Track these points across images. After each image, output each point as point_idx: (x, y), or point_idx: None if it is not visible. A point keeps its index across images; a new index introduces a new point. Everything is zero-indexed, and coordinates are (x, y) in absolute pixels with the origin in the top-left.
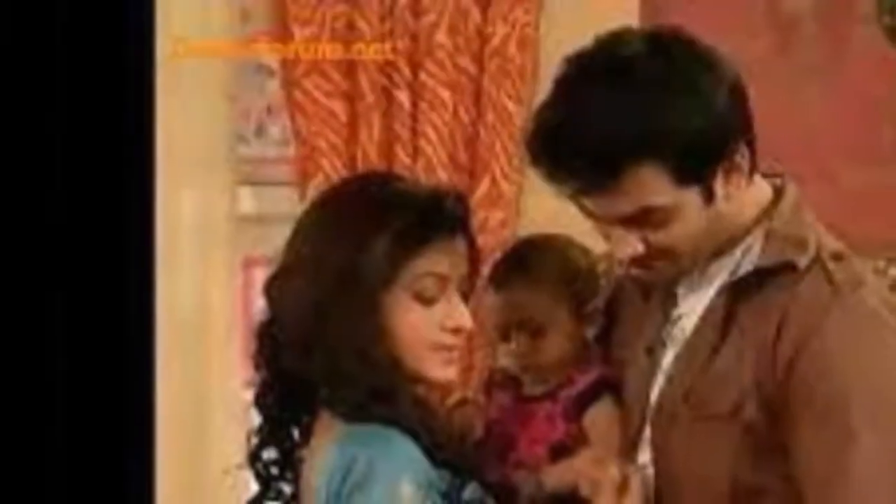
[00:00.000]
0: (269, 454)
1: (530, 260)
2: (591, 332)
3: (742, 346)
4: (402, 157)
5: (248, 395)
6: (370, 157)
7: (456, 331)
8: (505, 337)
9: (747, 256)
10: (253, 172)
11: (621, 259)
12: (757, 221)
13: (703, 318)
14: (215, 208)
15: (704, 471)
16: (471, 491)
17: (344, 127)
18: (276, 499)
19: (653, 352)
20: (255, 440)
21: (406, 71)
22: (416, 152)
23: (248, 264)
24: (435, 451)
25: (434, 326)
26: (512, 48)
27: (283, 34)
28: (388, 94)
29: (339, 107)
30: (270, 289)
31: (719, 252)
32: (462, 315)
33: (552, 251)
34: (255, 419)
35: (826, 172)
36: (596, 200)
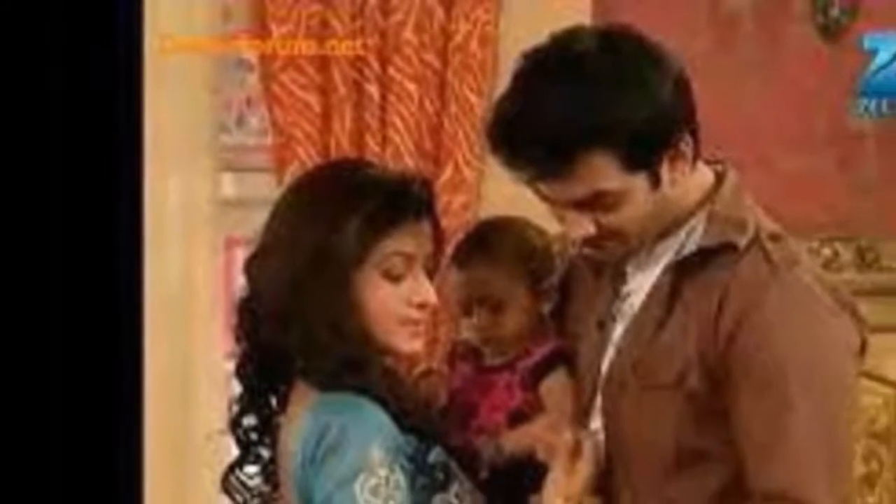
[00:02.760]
0: (249, 421)
1: (490, 240)
2: (546, 308)
3: (686, 320)
4: (372, 145)
5: (230, 365)
6: (342, 145)
7: (422, 306)
8: (467, 312)
9: (691, 237)
10: (234, 160)
11: (574, 239)
12: (700, 205)
13: (650, 295)
14: (199, 193)
15: (651, 436)
16: (435, 455)
17: (318, 118)
18: (255, 462)
19: (603, 326)
20: (235, 408)
21: (375, 66)
22: (384, 141)
23: (230, 244)
24: (402, 418)
25: (401, 302)
26: (473, 45)
27: (261, 31)
28: (358, 88)
29: (313, 99)
30: (250, 267)
31: (665, 233)
32: (427, 291)
33: (511, 232)
34: (236, 388)
35: (764, 159)
36: (551, 185)
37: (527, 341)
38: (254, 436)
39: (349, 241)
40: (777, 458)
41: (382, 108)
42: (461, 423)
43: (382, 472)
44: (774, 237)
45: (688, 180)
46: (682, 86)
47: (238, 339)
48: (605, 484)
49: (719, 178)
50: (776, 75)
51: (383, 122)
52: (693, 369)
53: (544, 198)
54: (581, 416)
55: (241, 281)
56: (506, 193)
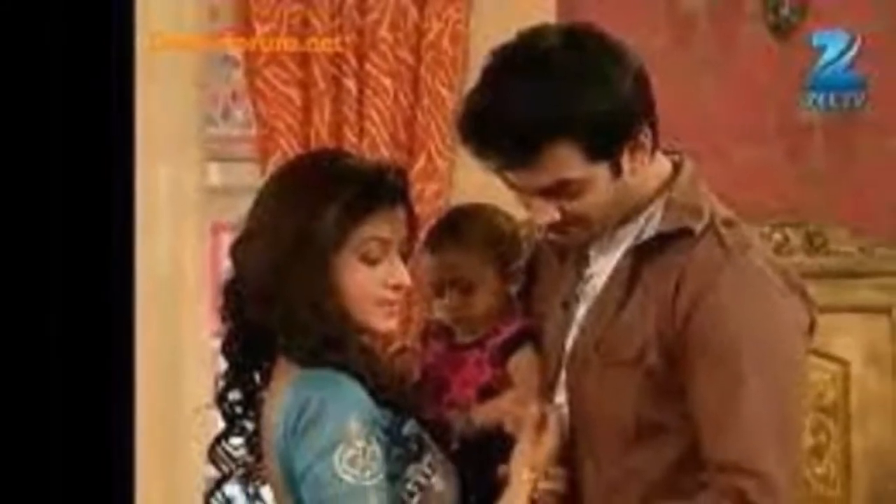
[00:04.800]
0: (234, 395)
1: (461, 226)
2: (514, 289)
3: (645, 301)
4: (350, 136)
5: (216, 343)
6: (322, 136)
7: (396, 287)
8: (439, 293)
9: (650, 223)
10: (220, 150)
11: (540, 225)
12: (658, 192)
13: (612, 277)
14: (187, 181)
15: (612, 410)
16: (409, 427)
17: (299, 111)
18: (240, 434)
19: (568, 306)
20: (221, 383)
21: (353, 62)
22: (361, 133)
23: (216, 230)
24: (378, 393)
25: (378, 284)
26: (445, 42)
27: (246, 30)
28: (337, 82)
29: (294, 93)
30: (235, 251)
31: (626, 219)
32: (402, 274)
33: (480, 218)
34: (222, 365)
35: (718, 150)
36: (518, 174)
37: (495, 320)
38: (239, 409)
39: (328, 227)
40: (730, 431)
41: (360, 102)
42: (434, 397)
43: (360, 444)
44: (728, 223)
45: (647, 170)
46: (641, 81)
47: (224, 319)
48: (569, 454)
49: (676, 168)
50: (730, 71)
51: (360, 115)
52: (652, 347)
53: (512, 186)
54: (546, 391)
55: (226, 264)
56: (476, 182)
